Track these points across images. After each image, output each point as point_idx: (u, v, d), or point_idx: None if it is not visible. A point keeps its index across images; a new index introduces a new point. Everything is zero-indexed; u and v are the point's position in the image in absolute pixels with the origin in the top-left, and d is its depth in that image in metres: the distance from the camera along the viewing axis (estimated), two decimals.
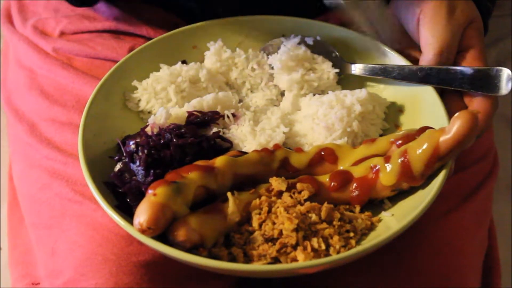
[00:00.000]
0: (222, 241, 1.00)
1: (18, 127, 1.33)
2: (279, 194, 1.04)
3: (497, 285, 1.38)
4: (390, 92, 1.24)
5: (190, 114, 1.16)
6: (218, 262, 0.94)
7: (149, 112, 1.22)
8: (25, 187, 1.30)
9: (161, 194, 0.96)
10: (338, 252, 0.98)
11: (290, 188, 1.05)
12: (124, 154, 1.08)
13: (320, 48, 1.29)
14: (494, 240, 1.42)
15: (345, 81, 1.28)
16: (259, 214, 1.01)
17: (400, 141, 1.07)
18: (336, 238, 0.99)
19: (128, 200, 1.04)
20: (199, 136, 1.11)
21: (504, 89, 1.10)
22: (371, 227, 1.04)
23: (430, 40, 1.16)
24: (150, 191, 0.97)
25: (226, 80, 1.29)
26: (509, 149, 2.01)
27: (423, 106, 1.18)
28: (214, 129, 1.15)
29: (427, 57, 1.16)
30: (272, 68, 1.28)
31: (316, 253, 0.97)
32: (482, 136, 1.15)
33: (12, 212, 1.40)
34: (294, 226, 0.98)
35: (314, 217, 1.01)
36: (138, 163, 1.05)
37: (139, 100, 1.22)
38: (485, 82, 1.11)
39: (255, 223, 1.00)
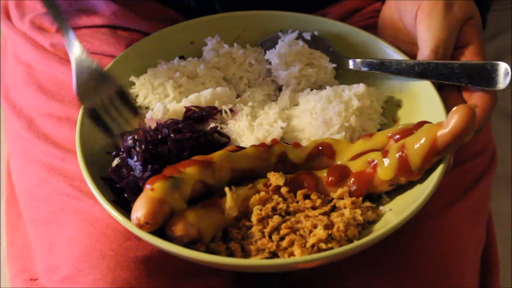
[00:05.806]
0: (220, 236, 1.00)
1: (16, 122, 1.33)
2: (277, 189, 1.04)
3: (495, 284, 1.37)
4: (388, 86, 1.24)
5: (187, 109, 1.16)
6: (216, 257, 0.94)
7: (147, 108, 1.21)
8: (23, 182, 1.30)
9: (159, 189, 0.96)
10: None
11: (288, 183, 1.05)
12: (122, 149, 1.08)
13: (317, 43, 1.28)
14: (492, 237, 1.41)
15: (343, 76, 1.28)
16: (260, 210, 1.01)
17: (398, 136, 1.07)
18: None
19: (125, 195, 1.04)
20: (196, 131, 1.11)
21: (501, 83, 1.10)
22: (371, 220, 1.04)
23: (426, 36, 1.15)
24: (147, 186, 0.97)
25: (224, 75, 1.28)
26: (509, 144, 2.00)
27: (421, 100, 1.18)
28: (212, 124, 1.15)
29: (423, 53, 1.16)
30: (270, 63, 1.27)
31: (314, 248, 0.97)
32: (480, 130, 1.14)
33: (10, 208, 1.39)
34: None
35: None
36: (135, 158, 1.05)
37: (137, 96, 1.22)
38: (482, 77, 1.11)
39: (254, 218, 1.00)
